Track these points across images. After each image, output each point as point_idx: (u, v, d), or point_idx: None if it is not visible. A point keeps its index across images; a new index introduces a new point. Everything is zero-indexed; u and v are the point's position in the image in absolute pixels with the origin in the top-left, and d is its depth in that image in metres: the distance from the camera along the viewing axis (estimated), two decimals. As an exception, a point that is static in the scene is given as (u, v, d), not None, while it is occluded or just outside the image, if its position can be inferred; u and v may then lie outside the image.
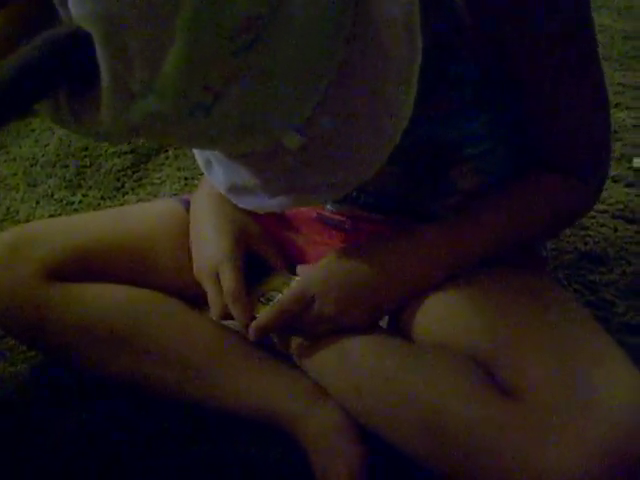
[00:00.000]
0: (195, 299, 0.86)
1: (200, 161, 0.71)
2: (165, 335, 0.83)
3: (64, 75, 0.45)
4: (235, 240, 0.81)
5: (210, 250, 0.81)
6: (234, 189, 0.65)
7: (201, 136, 0.52)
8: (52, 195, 1.36)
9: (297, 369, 0.80)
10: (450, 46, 0.66)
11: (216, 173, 0.68)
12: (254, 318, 0.76)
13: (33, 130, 1.67)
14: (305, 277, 0.76)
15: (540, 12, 0.63)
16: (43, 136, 1.63)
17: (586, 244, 1.10)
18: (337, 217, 0.84)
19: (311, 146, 0.56)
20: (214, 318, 0.80)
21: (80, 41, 0.44)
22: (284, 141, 0.55)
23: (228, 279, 0.77)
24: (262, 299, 0.78)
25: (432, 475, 0.66)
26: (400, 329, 0.76)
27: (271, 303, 0.77)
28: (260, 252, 0.84)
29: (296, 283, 0.77)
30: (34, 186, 1.41)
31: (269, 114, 0.52)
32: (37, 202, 1.35)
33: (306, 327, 0.75)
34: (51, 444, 0.83)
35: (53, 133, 1.64)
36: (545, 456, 0.56)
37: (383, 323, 0.78)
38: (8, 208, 1.33)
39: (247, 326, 0.76)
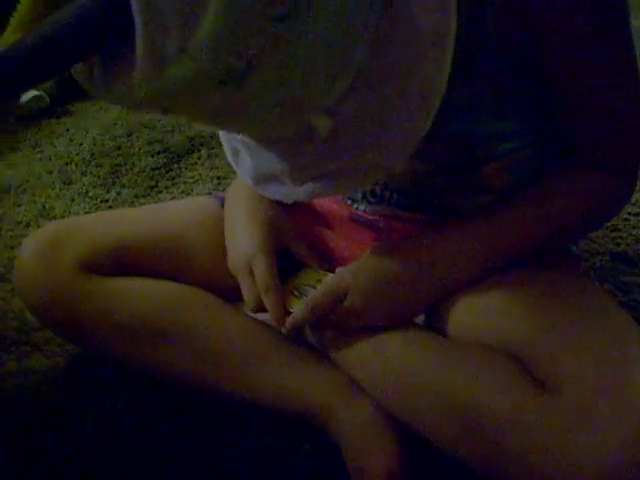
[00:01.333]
0: (229, 294, 0.87)
1: (228, 151, 0.71)
2: (202, 330, 0.83)
3: (104, 36, 0.46)
4: (269, 234, 0.82)
5: (244, 243, 0.82)
6: (261, 178, 0.65)
7: (231, 112, 0.52)
8: (87, 193, 1.39)
9: (331, 363, 0.80)
10: (480, 37, 0.66)
11: (243, 162, 0.68)
12: (287, 311, 0.77)
13: (68, 130, 1.70)
14: (339, 272, 0.77)
15: (567, 4, 0.63)
16: (77, 136, 1.66)
17: (618, 245, 1.10)
18: (370, 217, 0.85)
19: (341, 128, 0.55)
20: (248, 311, 0.81)
21: (118, 3, 0.45)
22: (314, 123, 0.55)
23: (261, 270, 0.78)
24: (295, 292, 0.79)
25: (470, 472, 0.66)
26: (434, 325, 0.77)
27: (304, 297, 0.78)
28: (293, 248, 0.85)
29: (330, 278, 0.78)
30: (69, 184, 1.43)
31: (301, 90, 0.52)
32: (72, 200, 1.37)
33: (337, 321, 0.76)
34: (80, 437, 0.84)
35: (87, 133, 1.66)
36: (582, 451, 0.56)
37: (419, 320, 0.78)
38: (44, 205, 1.35)
39: (280, 318, 0.77)
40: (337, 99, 0.54)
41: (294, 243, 0.85)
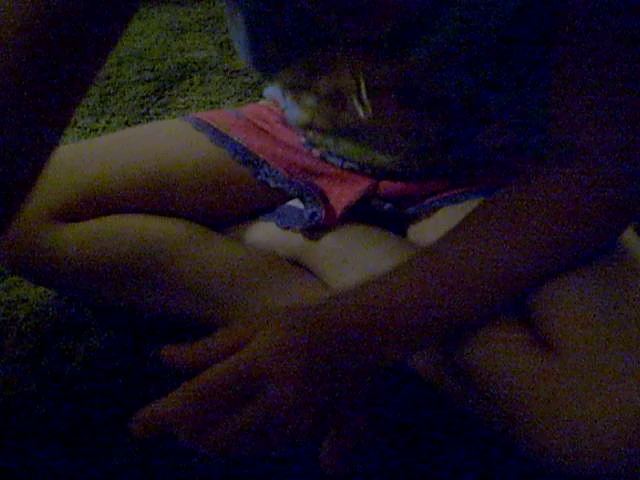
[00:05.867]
0: (213, 220, 0.84)
1: None
2: (185, 264, 0.78)
3: None
4: None
5: None
6: None
7: None
8: (75, 123, 1.34)
9: (326, 289, 0.77)
10: None
11: None
12: None
13: (55, 60, 1.64)
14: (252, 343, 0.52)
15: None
16: (66, 66, 1.60)
17: None
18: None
19: None
20: None
21: None
22: None
23: None
24: None
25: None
26: None
27: None
28: None
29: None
30: (57, 115, 1.38)
31: None
32: (61, 130, 1.32)
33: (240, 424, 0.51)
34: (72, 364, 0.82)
35: (76, 63, 1.61)
36: (579, 413, 0.53)
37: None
38: (32, 136, 1.31)
39: None
40: None
41: None
